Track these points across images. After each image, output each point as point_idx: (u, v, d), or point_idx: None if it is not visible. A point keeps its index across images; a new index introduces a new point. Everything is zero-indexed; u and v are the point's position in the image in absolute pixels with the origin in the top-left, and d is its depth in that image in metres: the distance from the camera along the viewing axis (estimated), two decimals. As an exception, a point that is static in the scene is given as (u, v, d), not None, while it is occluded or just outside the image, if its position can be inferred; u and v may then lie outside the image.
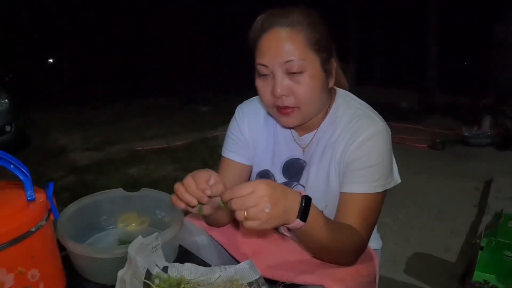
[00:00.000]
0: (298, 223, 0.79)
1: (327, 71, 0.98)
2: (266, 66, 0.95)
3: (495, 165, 4.44)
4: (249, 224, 0.75)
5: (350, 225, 0.95)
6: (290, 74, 0.94)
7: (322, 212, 0.88)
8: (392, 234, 2.84)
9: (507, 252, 1.74)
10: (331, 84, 1.02)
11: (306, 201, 0.80)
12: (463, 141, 5.46)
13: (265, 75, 0.97)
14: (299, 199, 0.80)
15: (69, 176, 4.33)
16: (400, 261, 2.49)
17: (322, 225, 0.86)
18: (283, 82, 0.94)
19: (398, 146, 5.11)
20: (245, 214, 0.75)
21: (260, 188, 0.75)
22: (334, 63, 1.01)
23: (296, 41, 0.92)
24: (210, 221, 1.14)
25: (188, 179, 0.86)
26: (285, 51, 0.92)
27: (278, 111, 0.99)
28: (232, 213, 0.97)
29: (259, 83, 0.99)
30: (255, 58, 0.98)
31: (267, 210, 0.75)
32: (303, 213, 0.79)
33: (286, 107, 0.97)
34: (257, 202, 0.74)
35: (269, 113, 1.13)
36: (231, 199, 0.77)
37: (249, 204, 0.75)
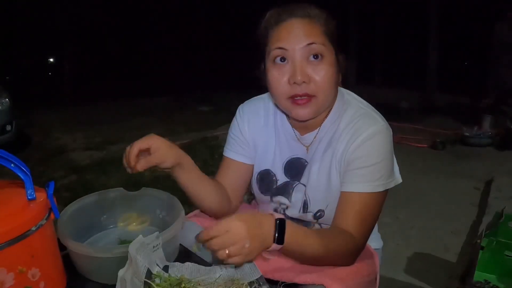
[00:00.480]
0: (275, 246, 0.81)
1: (339, 64, 1.00)
2: (285, 49, 0.94)
3: (495, 165, 4.44)
4: (232, 260, 0.77)
5: (342, 229, 0.95)
6: (310, 60, 0.94)
7: (304, 227, 0.91)
8: (393, 234, 2.83)
9: (508, 252, 1.73)
10: (339, 79, 1.03)
11: (280, 224, 0.81)
12: (463, 141, 5.45)
13: (282, 59, 0.96)
14: (273, 224, 0.81)
15: (70, 175, 4.33)
16: (400, 261, 2.49)
17: (305, 240, 0.86)
18: (303, 68, 0.94)
19: (398, 146, 5.07)
20: (227, 252, 0.76)
21: (235, 225, 0.76)
22: (341, 60, 1.02)
23: (316, 28, 0.94)
24: (196, 204, 1.14)
25: (127, 149, 0.96)
26: (306, 35, 0.93)
27: (293, 102, 0.98)
28: (216, 198, 1.09)
29: (274, 72, 0.98)
30: (269, 45, 0.97)
31: (247, 245, 0.76)
32: (279, 237, 0.81)
33: (305, 94, 0.95)
34: (235, 240, 0.76)
35: (272, 109, 1.12)
36: (210, 239, 0.77)
37: (228, 243, 0.76)
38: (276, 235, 0.80)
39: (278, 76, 0.97)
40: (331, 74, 0.95)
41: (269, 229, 0.80)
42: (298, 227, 0.86)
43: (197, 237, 0.81)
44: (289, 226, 0.83)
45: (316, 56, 0.94)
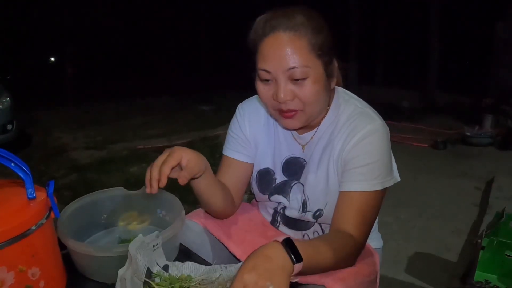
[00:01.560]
0: (298, 266, 0.76)
1: (329, 74, 0.97)
2: (268, 72, 0.93)
3: (496, 164, 4.43)
4: None
5: (343, 232, 0.94)
6: (293, 80, 0.92)
7: (310, 240, 0.88)
8: (393, 234, 2.83)
9: (509, 252, 1.73)
10: (333, 85, 1.01)
11: (288, 243, 0.76)
12: (464, 141, 5.45)
13: (267, 79, 0.95)
14: (281, 248, 0.75)
15: (71, 174, 4.33)
16: (401, 261, 2.48)
17: (317, 253, 0.83)
18: (286, 87, 0.93)
19: (399, 146, 5.10)
20: None
21: (247, 278, 0.69)
22: (335, 64, 1.00)
23: (300, 46, 0.90)
24: (203, 206, 1.12)
25: (155, 168, 0.89)
26: (288, 58, 0.90)
27: (280, 114, 0.98)
28: (224, 200, 1.06)
29: (260, 86, 0.98)
30: (256, 61, 0.96)
31: (271, 287, 0.69)
32: (295, 255, 0.75)
33: (290, 110, 0.95)
34: None
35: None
36: None
37: None
38: (292, 255, 0.75)
39: (264, 91, 0.97)
40: (316, 90, 0.94)
41: (280, 256, 0.74)
42: (304, 241, 0.83)
43: None
44: (297, 242, 0.78)
45: (298, 79, 0.92)
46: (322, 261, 0.84)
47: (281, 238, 0.77)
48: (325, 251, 0.85)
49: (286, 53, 0.90)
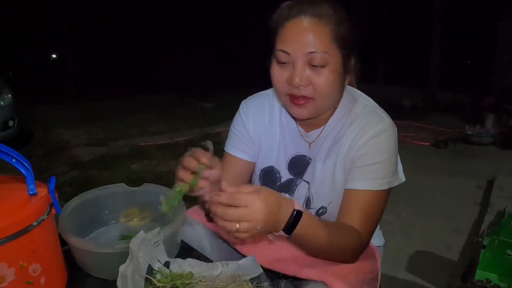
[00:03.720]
0: (283, 233, 0.82)
1: (346, 68, 0.97)
2: (287, 53, 0.93)
3: (497, 164, 4.43)
4: (238, 235, 0.77)
5: (350, 225, 0.95)
6: (311, 65, 0.92)
7: (317, 218, 0.90)
8: (394, 232, 2.83)
9: (510, 251, 1.73)
10: (347, 82, 1.01)
11: (296, 217, 0.81)
12: (466, 140, 5.45)
13: (284, 62, 0.95)
14: (290, 213, 0.81)
15: (72, 171, 4.34)
16: (402, 259, 2.48)
17: (315, 232, 0.86)
18: (303, 71, 0.92)
19: (401, 144, 5.03)
20: (237, 226, 0.76)
21: (257, 206, 0.75)
22: (353, 62, 1.00)
23: (322, 33, 0.91)
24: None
25: (188, 159, 0.88)
26: (310, 42, 0.90)
27: (291, 100, 0.97)
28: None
29: (275, 69, 0.97)
30: (275, 43, 0.96)
31: (258, 228, 0.76)
32: (290, 227, 0.81)
33: (302, 97, 0.95)
34: (251, 219, 0.76)
35: (277, 105, 1.12)
36: (226, 205, 0.76)
37: (243, 219, 0.75)
38: (289, 225, 0.81)
39: (279, 75, 0.97)
40: (333, 80, 0.94)
41: (285, 217, 0.80)
42: (313, 220, 0.86)
43: (209, 197, 0.80)
44: (305, 218, 0.82)
45: (316, 65, 0.92)
46: (317, 241, 0.88)
47: (298, 206, 0.82)
48: (323, 234, 0.88)
49: (308, 38, 0.91)
